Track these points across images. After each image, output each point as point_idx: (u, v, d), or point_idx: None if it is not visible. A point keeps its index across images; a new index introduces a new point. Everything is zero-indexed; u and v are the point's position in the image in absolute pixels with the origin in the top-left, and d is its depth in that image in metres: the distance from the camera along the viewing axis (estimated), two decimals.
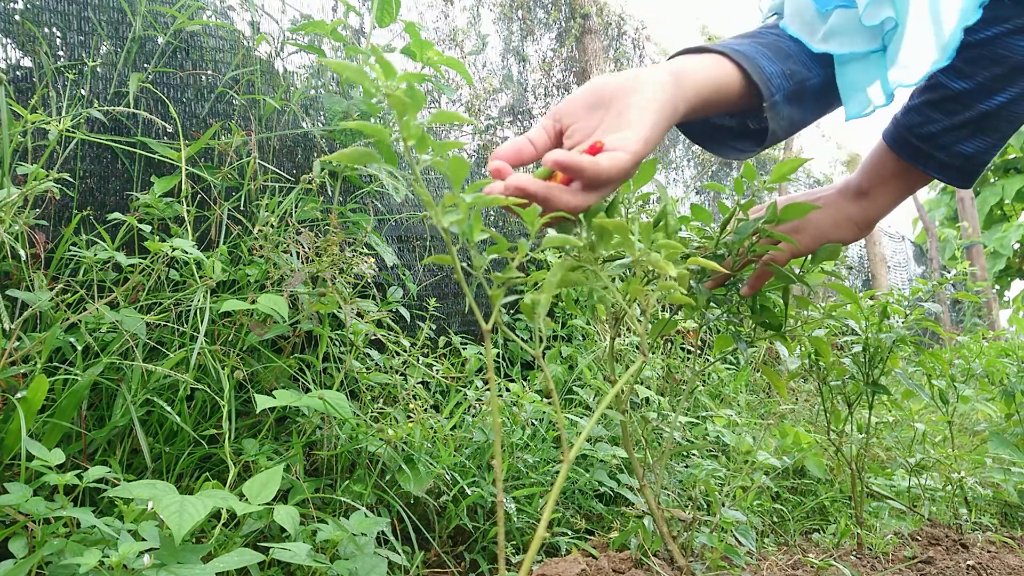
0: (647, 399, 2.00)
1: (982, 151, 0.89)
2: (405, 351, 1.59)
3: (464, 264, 0.73)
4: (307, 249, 1.43)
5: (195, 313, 1.27)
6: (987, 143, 0.89)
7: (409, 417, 1.43)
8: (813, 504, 1.76)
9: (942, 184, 12.58)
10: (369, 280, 1.53)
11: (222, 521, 1.01)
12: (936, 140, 0.90)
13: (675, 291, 0.76)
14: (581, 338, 2.32)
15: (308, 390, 1.39)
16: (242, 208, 1.55)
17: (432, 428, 1.46)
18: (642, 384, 2.09)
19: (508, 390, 1.67)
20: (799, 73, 0.79)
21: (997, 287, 10.88)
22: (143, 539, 0.83)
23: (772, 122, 0.79)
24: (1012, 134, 0.90)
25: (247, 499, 0.93)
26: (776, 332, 1.11)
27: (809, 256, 1.05)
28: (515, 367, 2.23)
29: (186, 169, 1.43)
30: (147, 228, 1.32)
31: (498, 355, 2.24)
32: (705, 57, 0.75)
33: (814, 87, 0.81)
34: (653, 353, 2.20)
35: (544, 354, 2.22)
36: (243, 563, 0.85)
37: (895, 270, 6.81)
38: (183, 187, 1.41)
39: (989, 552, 1.44)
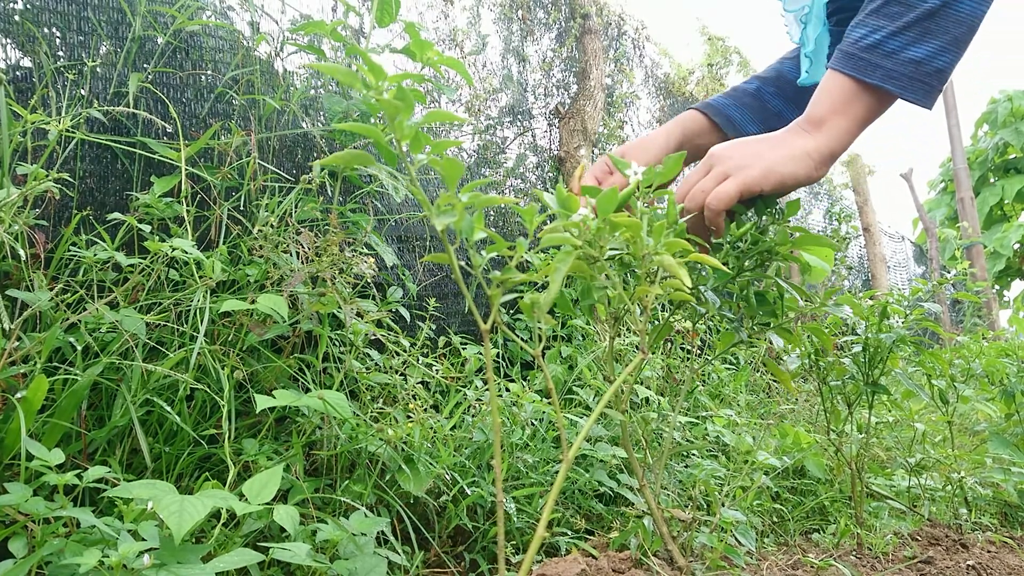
0: (647, 399, 2.00)
1: (931, 55, 0.85)
2: (405, 351, 1.59)
3: (463, 264, 0.73)
4: (307, 249, 1.43)
5: (195, 313, 1.27)
6: (935, 46, 0.85)
7: (409, 417, 1.43)
8: (813, 504, 1.75)
9: (943, 184, 12.51)
10: (369, 280, 1.53)
11: (222, 521, 1.01)
12: (881, 47, 0.87)
13: (680, 290, 0.76)
14: (581, 338, 2.32)
15: (308, 390, 1.39)
16: (242, 208, 1.55)
17: (432, 428, 1.46)
18: (642, 384, 2.09)
19: (508, 390, 1.66)
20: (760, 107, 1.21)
21: (997, 287, 10.86)
22: (143, 539, 0.83)
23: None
24: (965, 41, 0.86)
25: (247, 499, 0.93)
26: (775, 321, 1.11)
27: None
28: (515, 367, 2.23)
29: (186, 169, 1.43)
30: (147, 228, 1.32)
31: (498, 355, 2.24)
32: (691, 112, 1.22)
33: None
34: (653, 353, 2.20)
35: (544, 354, 2.22)
36: (243, 563, 0.85)
37: (895, 270, 6.81)
38: (183, 187, 1.41)
39: (989, 552, 1.44)
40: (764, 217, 1.02)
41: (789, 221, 1.01)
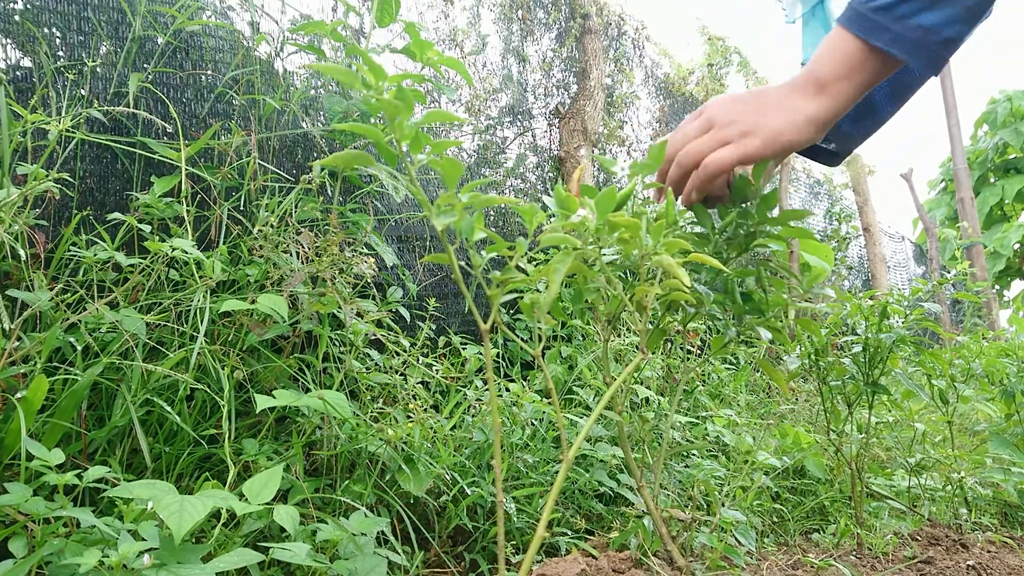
0: (647, 399, 2.00)
1: (940, 24, 0.85)
2: (405, 351, 1.59)
3: (463, 264, 0.73)
4: (307, 249, 1.43)
5: (195, 313, 1.27)
6: (945, 15, 0.85)
7: (409, 417, 1.43)
8: (813, 504, 1.76)
9: (943, 184, 12.50)
10: (369, 280, 1.53)
11: (222, 521, 1.01)
12: (892, 10, 0.86)
13: (680, 291, 0.76)
14: (581, 338, 2.32)
15: (308, 390, 1.39)
16: (242, 208, 1.55)
17: (432, 428, 1.46)
18: (642, 384, 2.09)
19: (508, 390, 1.67)
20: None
21: (997, 287, 10.86)
22: (143, 539, 0.83)
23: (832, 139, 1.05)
24: (979, 13, 0.86)
25: (247, 499, 0.93)
26: (761, 318, 1.11)
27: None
28: (515, 367, 2.23)
29: (186, 169, 1.43)
30: (147, 228, 1.32)
31: (498, 355, 2.24)
32: None
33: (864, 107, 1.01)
34: (653, 353, 2.20)
35: (544, 354, 2.22)
36: (243, 563, 0.85)
37: (895, 270, 6.81)
38: (183, 187, 1.41)
39: (989, 552, 1.44)
40: (744, 200, 1.01)
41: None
